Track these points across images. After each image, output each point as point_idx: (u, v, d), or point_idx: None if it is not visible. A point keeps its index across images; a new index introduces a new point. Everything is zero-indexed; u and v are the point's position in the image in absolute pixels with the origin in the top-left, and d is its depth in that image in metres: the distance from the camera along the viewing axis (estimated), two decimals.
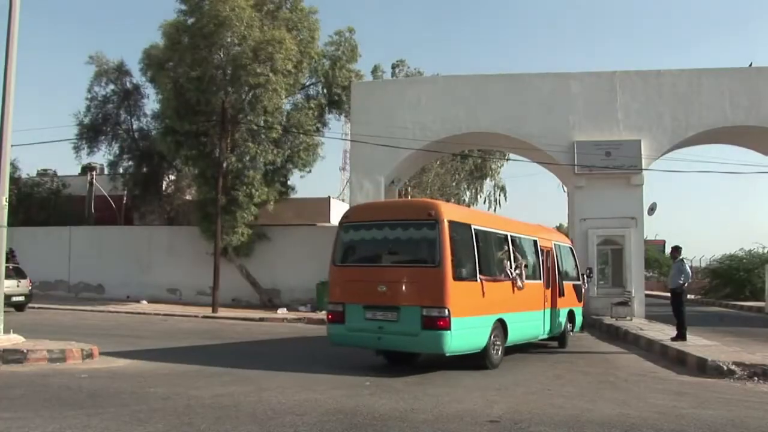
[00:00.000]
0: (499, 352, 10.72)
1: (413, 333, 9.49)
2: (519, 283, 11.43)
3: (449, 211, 10.13)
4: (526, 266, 11.91)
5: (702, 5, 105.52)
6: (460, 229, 10.12)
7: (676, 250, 13.73)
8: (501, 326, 10.75)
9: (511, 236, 11.81)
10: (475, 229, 10.51)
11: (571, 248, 15.42)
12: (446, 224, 9.68)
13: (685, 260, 13.76)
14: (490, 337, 10.36)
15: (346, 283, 10.30)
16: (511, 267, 11.35)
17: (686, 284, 13.46)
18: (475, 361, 10.21)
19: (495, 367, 10.41)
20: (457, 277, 9.69)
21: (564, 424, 6.48)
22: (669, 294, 13.92)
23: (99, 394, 7.47)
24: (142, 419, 6.31)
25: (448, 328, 9.32)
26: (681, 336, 13.07)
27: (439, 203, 10.53)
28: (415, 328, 9.46)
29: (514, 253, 11.63)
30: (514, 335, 11.25)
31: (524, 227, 13.08)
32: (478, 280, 10.20)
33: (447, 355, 9.62)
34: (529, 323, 12.09)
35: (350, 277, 10.29)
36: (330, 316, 10.48)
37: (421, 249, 9.99)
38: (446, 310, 9.33)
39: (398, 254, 10.28)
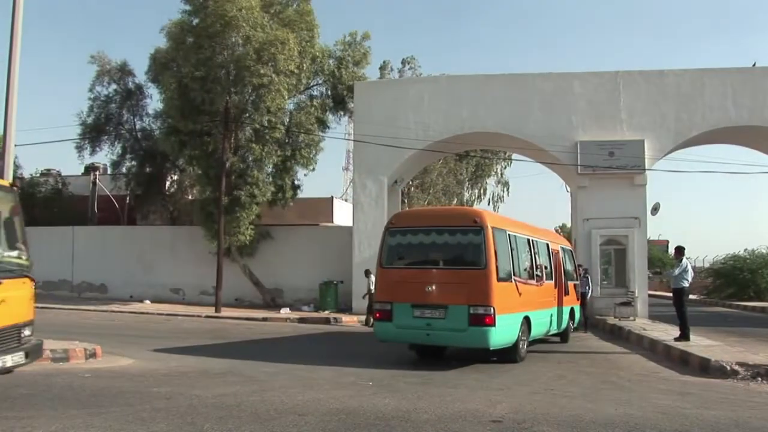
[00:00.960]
0: (525, 347, 11.61)
1: (460, 329, 10.32)
2: (541, 283, 12.61)
3: (491, 218, 11.20)
4: (545, 268, 13.08)
5: (704, 5, 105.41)
6: (499, 234, 10.99)
7: (679, 250, 13.71)
8: (527, 323, 11.61)
9: (533, 240, 12.81)
10: (509, 234, 11.47)
11: (571, 250, 16.29)
12: (490, 230, 10.65)
13: (687, 260, 13.73)
14: (519, 333, 11.22)
15: (393, 283, 11.05)
16: (535, 268, 12.46)
17: (688, 284, 13.43)
18: (505, 356, 11.05)
19: (522, 361, 11.24)
20: (500, 279, 10.59)
21: (567, 424, 6.47)
22: (672, 294, 13.90)
23: (102, 394, 7.48)
24: (144, 419, 6.31)
25: (493, 324, 10.21)
26: (684, 336, 13.04)
27: (483, 211, 11.63)
28: (463, 325, 10.29)
29: (535, 255, 12.68)
30: (535, 331, 12.24)
31: (539, 231, 14.01)
32: (513, 280, 11.15)
33: (490, 349, 10.51)
34: (546, 320, 13.10)
35: (398, 278, 11.05)
36: (377, 315, 11.26)
37: (468, 253, 10.86)
38: (492, 309, 10.22)
39: (445, 257, 11.05)
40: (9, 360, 6.53)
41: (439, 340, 10.86)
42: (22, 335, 6.95)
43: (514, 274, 11.23)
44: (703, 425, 6.63)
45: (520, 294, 11.29)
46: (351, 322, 19.08)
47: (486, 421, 6.56)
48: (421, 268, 11.08)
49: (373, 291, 18.34)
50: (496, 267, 10.49)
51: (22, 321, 6.93)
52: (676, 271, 13.30)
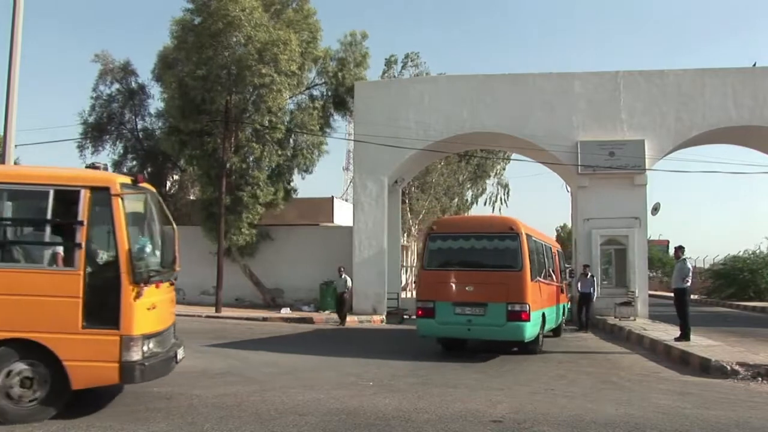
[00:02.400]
0: (542, 339, 12.98)
1: (499, 324, 11.54)
2: (551, 283, 14.14)
3: (524, 226, 12.47)
4: (553, 270, 14.65)
5: (704, 5, 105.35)
6: (529, 240, 12.37)
7: (680, 249, 13.70)
8: (543, 319, 12.88)
9: (544, 244, 14.37)
10: (533, 240, 12.91)
11: (561, 251, 18.04)
12: (524, 236, 12.05)
13: (688, 260, 13.74)
14: (539, 327, 12.56)
15: (435, 284, 12.14)
16: (548, 270, 13.88)
17: (689, 283, 13.42)
18: (527, 347, 12.38)
19: (540, 353, 12.59)
20: (532, 279, 11.92)
21: (567, 424, 6.48)
22: (672, 294, 13.90)
23: (102, 393, 7.48)
24: (145, 419, 6.32)
25: (528, 320, 11.58)
26: (684, 336, 13.04)
27: (517, 220, 12.66)
28: (501, 321, 11.52)
29: (546, 258, 14.10)
30: (547, 326, 13.56)
31: (544, 236, 15.32)
32: (537, 281, 12.45)
33: (525, 341, 11.86)
34: (553, 316, 14.47)
35: (440, 279, 12.12)
36: (420, 312, 12.27)
37: (505, 256, 12.02)
38: (527, 306, 11.56)
39: (484, 260, 12.19)
40: (181, 352, 7.33)
41: (479, 334, 11.99)
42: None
43: (537, 275, 12.55)
44: (704, 425, 6.64)
45: (540, 293, 12.69)
46: (352, 322, 19.08)
47: (486, 421, 6.57)
48: (462, 270, 12.15)
49: (349, 288, 18.65)
50: (530, 269, 11.81)
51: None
52: (676, 271, 13.30)
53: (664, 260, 43.20)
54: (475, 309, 11.69)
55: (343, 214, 27.24)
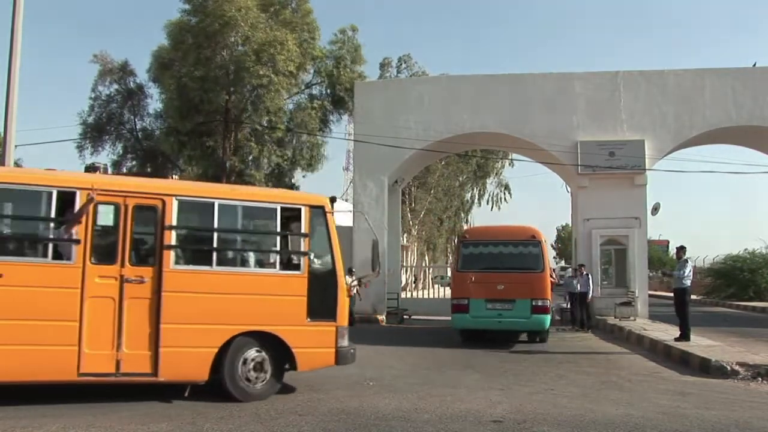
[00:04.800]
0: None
1: (525, 317, 13.79)
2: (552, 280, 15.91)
3: (542, 233, 14.83)
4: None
5: (705, 5, 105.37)
6: (545, 245, 14.84)
7: (681, 249, 13.69)
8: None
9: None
10: (547, 243, 15.45)
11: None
12: (544, 243, 14.61)
13: (689, 260, 13.73)
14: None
15: (469, 284, 14.14)
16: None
17: (689, 283, 13.42)
18: (540, 335, 14.58)
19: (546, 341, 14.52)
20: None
21: (567, 424, 6.47)
22: (672, 294, 13.89)
23: (102, 394, 7.47)
24: (145, 419, 6.32)
25: (548, 312, 14.19)
26: (684, 336, 13.03)
27: (536, 229, 14.98)
28: (527, 314, 13.75)
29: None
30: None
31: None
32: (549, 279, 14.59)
33: (546, 330, 14.36)
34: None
35: (472, 280, 14.12)
36: (455, 308, 14.22)
37: (529, 260, 14.23)
38: (548, 301, 14.05)
39: (510, 263, 14.27)
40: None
41: (508, 326, 14.04)
42: None
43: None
44: (704, 425, 6.64)
45: (551, 289, 14.77)
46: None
47: (486, 421, 6.57)
48: (492, 271, 14.13)
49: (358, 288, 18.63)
50: (549, 270, 14.22)
51: None
52: (684, 272, 13.22)
53: (664, 260, 43.21)
54: (504, 305, 13.80)
55: (343, 214, 27.19)
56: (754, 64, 21.06)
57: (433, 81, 23.67)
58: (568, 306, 20.25)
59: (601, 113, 20.22)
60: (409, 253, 34.72)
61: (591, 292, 18.00)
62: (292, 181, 24.19)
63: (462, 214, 41.72)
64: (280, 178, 22.97)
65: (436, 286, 30.45)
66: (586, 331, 17.45)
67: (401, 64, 34.49)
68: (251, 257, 8.07)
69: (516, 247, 14.45)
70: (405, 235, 32.02)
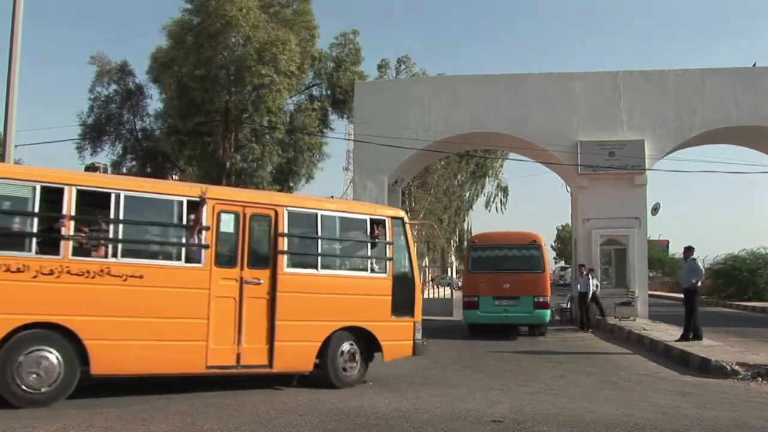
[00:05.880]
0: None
1: (528, 312, 15.66)
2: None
3: (542, 238, 16.77)
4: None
5: (705, 5, 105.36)
6: (545, 248, 16.82)
7: (689, 250, 13.70)
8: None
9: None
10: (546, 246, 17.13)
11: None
12: (544, 246, 16.66)
13: (697, 260, 13.73)
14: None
15: (478, 283, 16.03)
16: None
17: (699, 283, 13.44)
18: (540, 329, 16.24)
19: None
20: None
21: (567, 424, 6.47)
22: (683, 294, 13.85)
23: (102, 393, 7.47)
24: (145, 419, 6.31)
25: (549, 308, 16.14)
26: (686, 337, 13.04)
27: (537, 234, 16.84)
28: (530, 309, 15.64)
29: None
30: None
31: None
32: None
33: (546, 324, 16.14)
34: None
35: (481, 280, 16.03)
36: (466, 305, 16.20)
37: (531, 262, 16.12)
38: (548, 298, 16.00)
39: (515, 265, 16.10)
40: None
41: (513, 320, 15.89)
42: None
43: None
44: (704, 425, 6.63)
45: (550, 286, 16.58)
46: None
47: (486, 421, 6.56)
48: (499, 272, 15.99)
49: None
50: (549, 271, 16.25)
51: None
52: (685, 270, 13.24)
53: (664, 260, 43.19)
54: (510, 301, 15.65)
55: None
56: (754, 64, 21.07)
57: (433, 81, 23.66)
58: (568, 306, 20.29)
59: (601, 113, 20.22)
60: None
61: (591, 292, 18.00)
62: (295, 179, 24.17)
63: (462, 214, 41.68)
64: (281, 177, 22.95)
65: (436, 286, 30.42)
66: (586, 330, 17.46)
67: (400, 65, 34.47)
68: (347, 262, 9.17)
69: (519, 250, 16.20)
70: None
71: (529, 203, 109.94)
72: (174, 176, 28.80)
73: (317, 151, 23.39)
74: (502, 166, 38.67)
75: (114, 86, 27.22)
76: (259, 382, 8.43)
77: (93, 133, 26.90)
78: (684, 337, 13.03)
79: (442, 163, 32.56)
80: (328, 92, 24.37)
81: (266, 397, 7.64)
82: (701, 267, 13.41)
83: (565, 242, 75.50)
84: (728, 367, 10.28)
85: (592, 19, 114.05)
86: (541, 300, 15.65)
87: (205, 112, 21.29)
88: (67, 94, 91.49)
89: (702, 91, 20.04)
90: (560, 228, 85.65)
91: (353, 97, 22.45)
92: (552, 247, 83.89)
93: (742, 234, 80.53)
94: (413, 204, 33.99)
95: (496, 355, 12.59)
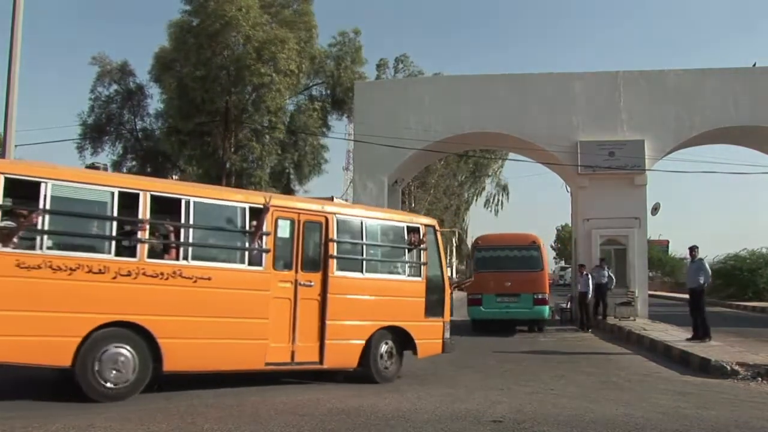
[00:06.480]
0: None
1: (528, 308, 16.75)
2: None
3: (541, 239, 17.97)
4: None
5: (705, 4, 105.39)
6: (544, 248, 17.99)
7: (694, 249, 13.70)
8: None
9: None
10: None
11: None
12: (543, 247, 17.78)
13: (703, 259, 13.72)
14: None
15: (482, 282, 15.95)
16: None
17: (706, 283, 13.44)
18: (539, 324, 17.40)
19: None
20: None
21: (567, 425, 6.46)
22: (689, 294, 13.85)
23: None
24: (145, 419, 6.31)
25: (547, 304, 17.27)
26: (697, 337, 13.06)
27: (537, 236, 17.96)
28: (530, 306, 16.73)
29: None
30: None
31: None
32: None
33: (545, 319, 17.36)
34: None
35: (485, 278, 16.33)
36: (471, 302, 17.14)
37: (531, 261, 17.19)
38: (547, 295, 17.09)
39: (516, 265, 17.12)
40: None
41: (514, 315, 16.84)
42: None
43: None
44: (704, 425, 6.63)
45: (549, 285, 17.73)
46: None
47: (486, 421, 6.56)
48: (501, 271, 16.95)
49: None
50: (548, 269, 17.50)
51: None
52: (691, 271, 13.24)
53: (664, 260, 43.17)
54: (511, 298, 16.72)
55: None
56: (754, 64, 21.06)
57: (433, 81, 23.66)
58: (568, 306, 20.27)
59: (601, 113, 20.21)
60: None
61: (591, 292, 18.00)
62: (294, 185, 24.21)
63: (461, 214, 41.67)
64: (281, 181, 22.96)
65: None
66: (586, 330, 17.45)
67: (398, 64, 34.45)
68: (387, 266, 9.62)
69: (520, 251, 17.27)
70: None
71: (529, 203, 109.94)
72: (174, 176, 28.83)
73: (318, 152, 23.40)
74: (501, 166, 38.66)
75: (115, 86, 27.27)
76: (257, 382, 8.43)
77: (93, 133, 26.93)
78: (696, 337, 13.05)
79: (442, 162, 32.56)
80: (328, 92, 24.38)
81: (266, 396, 7.63)
82: (708, 267, 13.39)
83: (565, 242, 75.41)
84: (728, 367, 10.27)
85: (592, 19, 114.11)
86: (540, 297, 16.70)
87: (206, 112, 21.31)
88: (68, 94, 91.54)
89: (702, 91, 20.04)
90: (560, 228, 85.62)
91: (353, 97, 22.45)
92: (552, 247, 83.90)
93: (742, 234, 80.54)
94: (413, 204, 34.00)
95: (496, 354, 12.59)
